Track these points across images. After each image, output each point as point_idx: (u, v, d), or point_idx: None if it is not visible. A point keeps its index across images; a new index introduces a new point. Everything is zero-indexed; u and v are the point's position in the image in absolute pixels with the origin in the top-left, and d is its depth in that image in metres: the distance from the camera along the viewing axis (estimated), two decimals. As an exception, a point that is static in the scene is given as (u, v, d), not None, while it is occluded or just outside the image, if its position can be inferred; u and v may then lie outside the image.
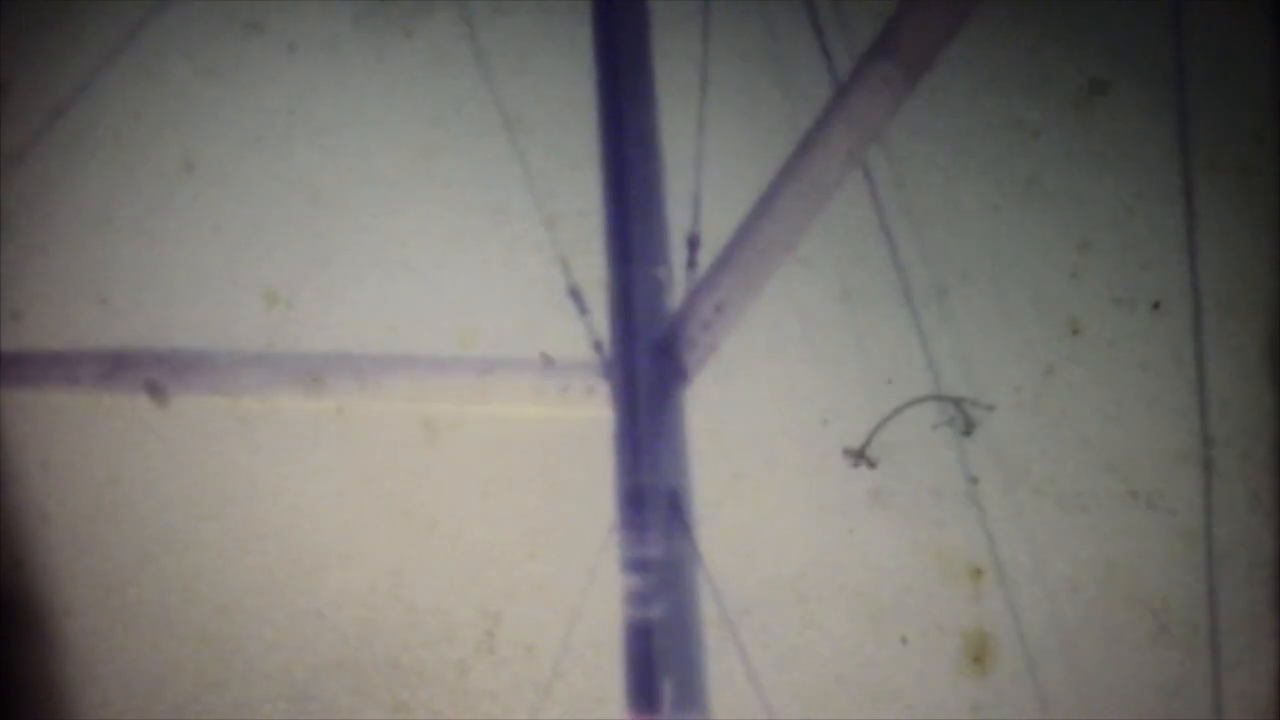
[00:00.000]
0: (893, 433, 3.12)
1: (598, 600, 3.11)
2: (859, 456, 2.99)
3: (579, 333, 3.11)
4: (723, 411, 3.13)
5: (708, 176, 3.12)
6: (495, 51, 3.17)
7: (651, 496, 3.08)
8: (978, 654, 3.10)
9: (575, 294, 3.11)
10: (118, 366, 3.15)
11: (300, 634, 3.12)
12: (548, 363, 3.02)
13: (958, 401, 3.06)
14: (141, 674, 3.12)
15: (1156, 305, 3.13)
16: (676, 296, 3.12)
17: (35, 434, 3.17)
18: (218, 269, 3.17)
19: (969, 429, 3.06)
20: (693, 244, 3.12)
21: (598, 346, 3.10)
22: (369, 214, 3.17)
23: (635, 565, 3.08)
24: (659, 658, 3.08)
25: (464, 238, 3.16)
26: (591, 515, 3.10)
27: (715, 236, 3.13)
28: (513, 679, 3.11)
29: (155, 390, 3.08)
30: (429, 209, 3.17)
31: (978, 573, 3.11)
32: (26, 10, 3.20)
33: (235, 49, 3.19)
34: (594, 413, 3.10)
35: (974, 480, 3.09)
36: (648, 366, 3.10)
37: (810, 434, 3.13)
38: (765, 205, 3.12)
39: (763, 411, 3.13)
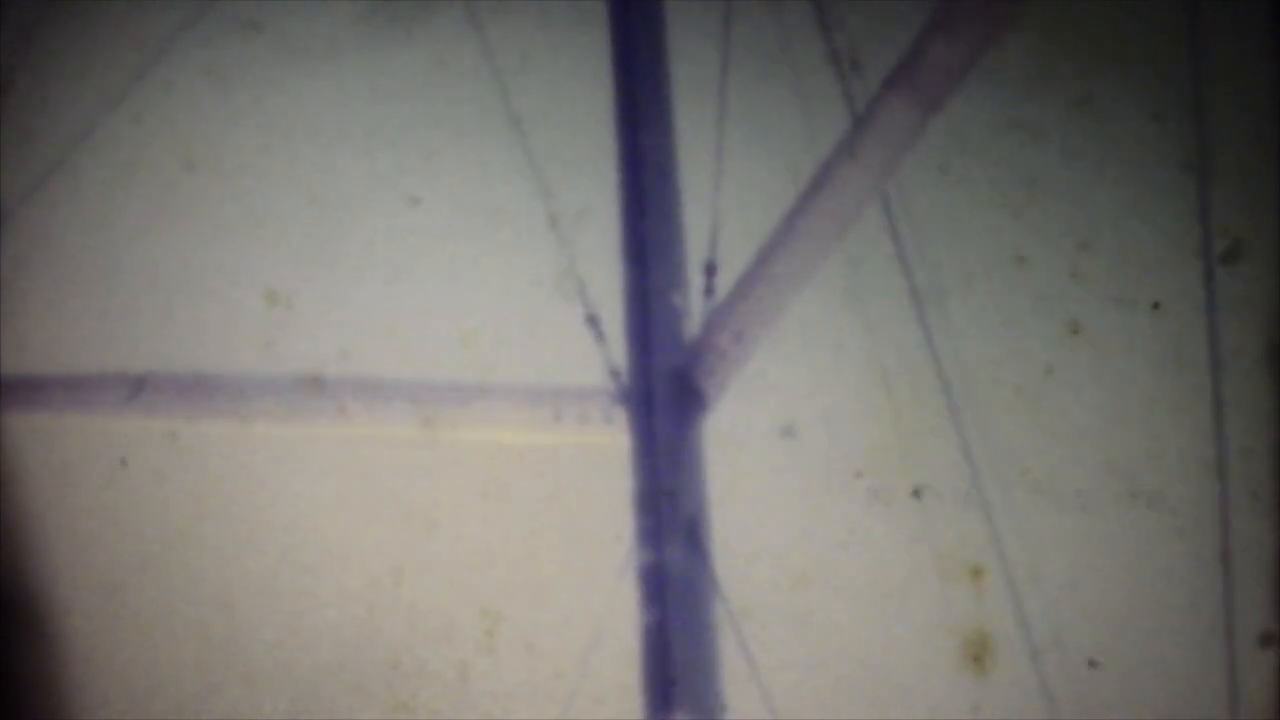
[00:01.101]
0: (893, 434, 3.12)
1: (597, 601, 3.11)
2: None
3: (596, 359, 3.12)
4: (741, 435, 3.13)
5: (726, 204, 3.13)
6: (500, 52, 3.18)
7: (670, 523, 3.08)
8: (978, 654, 3.10)
9: (593, 321, 3.11)
10: (138, 391, 3.15)
11: (300, 634, 3.12)
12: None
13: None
14: (141, 674, 3.12)
15: (1156, 305, 3.13)
16: (694, 324, 3.12)
17: (36, 435, 3.17)
18: (218, 269, 3.17)
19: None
20: (710, 271, 3.12)
21: (615, 375, 3.11)
22: (369, 214, 3.17)
23: (653, 594, 3.08)
24: (675, 674, 3.08)
25: (464, 239, 3.17)
26: (602, 527, 3.11)
27: (732, 264, 3.13)
28: (513, 679, 3.11)
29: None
30: (429, 210, 3.17)
31: (978, 573, 3.11)
32: (27, 10, 3.20)
33: (235, 49, 3.19)
34: (611, 439, 3.11)
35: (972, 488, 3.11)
36: (666, 395, 3.10)
37: (809, 434, 3.13)
38: (784, 234, 3.13)
39: (775, 426, 3.14)
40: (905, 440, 3.12)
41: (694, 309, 3.13)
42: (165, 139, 3.18)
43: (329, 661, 3.11)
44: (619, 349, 3.12)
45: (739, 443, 3.13)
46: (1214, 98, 3.14)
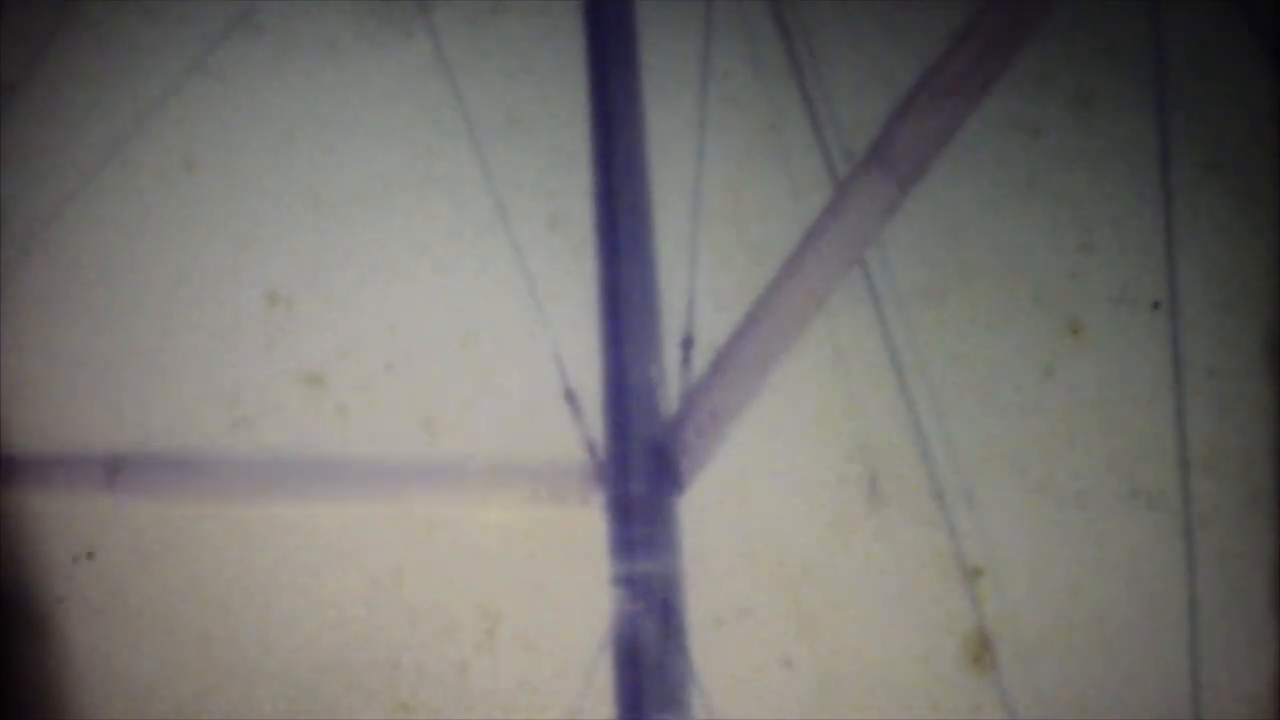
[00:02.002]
0: (892, 432, 3.12)
1: (598, 603, 3.11)
2: None
3: (573, 435, 3.11)
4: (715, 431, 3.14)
5: (702, 277, 3.13)
6: (494, 54, 3.18)
7: (646, 600, 3.08)
8: (978, 654, 3.10)
9: (570, 396, 3.11)
10: (118, 469, 3.14)
11: (300, 634, 3.12)
12: None
13: None
14: (141, 674, 3.12)
15: (1156, 305, 3.13)
16: (672, 397, 3.12)
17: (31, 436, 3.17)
18: (218, 269, 3.17)
19: None
20: (687, 344, 3.12)
21: (591, 450, 3.10)
22: (369, 214, 3.17)
23: (630, 676, 3.08)
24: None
25: (464, 238, 3.17)
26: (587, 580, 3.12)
27: (710, 337, 3.13)
28: (513, 679, 3.11)
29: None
30: (429, 209, 3.17)
31: (978, 573, 3.11)
32: (27, 11, 3.20)
33: (235, 49, 3.19)
34: (589, 518, 3.10)
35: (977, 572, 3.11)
36: (642, 474, 3.09)
37: (810, 434, 3.13)
38: (761, 309, 3.12)
39: (756, 419, 3.14)
40: (904, 440, 3.12)
41: (671, 383, 3.12)
42: (165, 139, 3.18)
43: (329, 661, 3.11)
44: (596, 424, 3.12)
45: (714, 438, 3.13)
46: (1214, 97, 3.14)
